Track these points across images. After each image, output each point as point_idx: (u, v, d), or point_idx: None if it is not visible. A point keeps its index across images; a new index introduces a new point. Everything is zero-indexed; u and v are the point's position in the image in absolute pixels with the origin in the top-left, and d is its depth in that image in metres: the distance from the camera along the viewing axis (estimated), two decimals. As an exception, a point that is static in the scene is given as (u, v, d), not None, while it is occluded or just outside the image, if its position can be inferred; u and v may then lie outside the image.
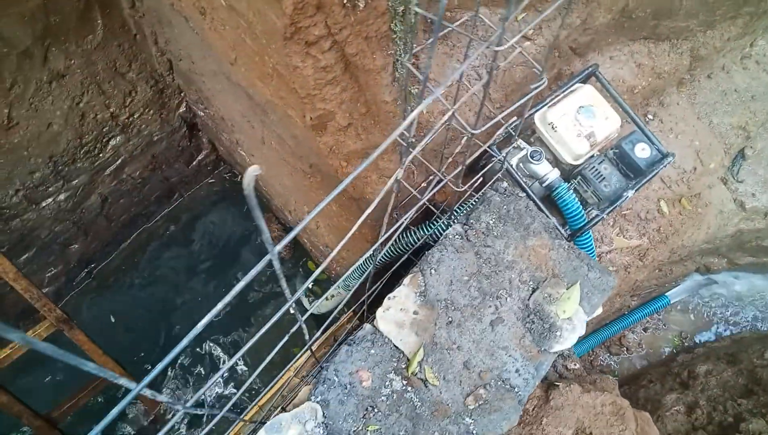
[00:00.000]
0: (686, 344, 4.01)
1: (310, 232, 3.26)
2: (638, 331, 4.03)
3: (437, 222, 2.16)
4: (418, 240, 2.21)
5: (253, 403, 2.81)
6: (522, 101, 1.35)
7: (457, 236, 1.55)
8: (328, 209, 2.68)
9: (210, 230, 4.51)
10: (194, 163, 4.06)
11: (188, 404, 0.93)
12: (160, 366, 0.81)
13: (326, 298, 3.39)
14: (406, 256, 2.20)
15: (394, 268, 2.16)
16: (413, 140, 1.22)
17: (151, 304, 4.21)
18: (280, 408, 2.32)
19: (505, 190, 1.63)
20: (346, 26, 1.56)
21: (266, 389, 2.77)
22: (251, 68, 2.02)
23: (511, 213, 1.57)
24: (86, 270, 3.97)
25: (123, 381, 0.76)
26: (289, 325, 1.08)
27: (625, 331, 3.91)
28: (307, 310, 1.15)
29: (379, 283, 1.78)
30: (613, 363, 3.93)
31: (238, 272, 4.39)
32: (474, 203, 1.75)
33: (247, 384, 1.18)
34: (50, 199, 3.11)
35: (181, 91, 3.27)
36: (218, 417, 1.12)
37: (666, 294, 3.89)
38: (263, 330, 1.02)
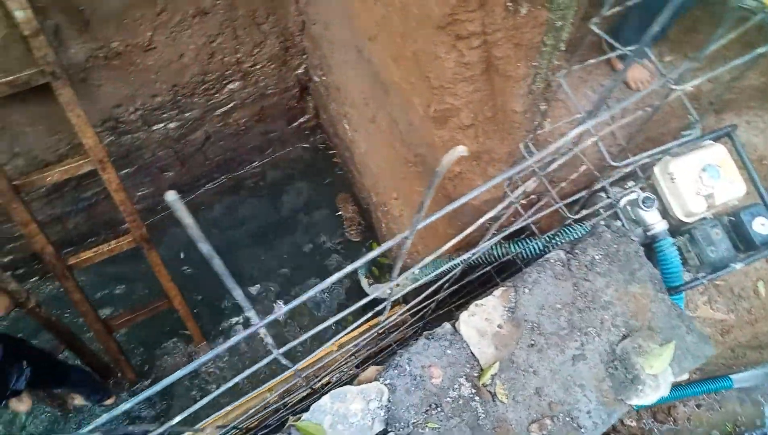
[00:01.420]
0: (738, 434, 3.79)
1: (391, 218, 3.28)
2: (691, 405, 3.82)
3: (529, 241, 2.13)
4: (504, 254, 2.19)
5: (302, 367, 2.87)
6: (668, 145, 1.31)
7: (558, 262, 1.52)
8: (416, 201, 2.69)
9: (291, 191, 4.61)
10: (294, 124, 4.16)
11: (281, 351, 0.96)
12: (287, 307, 0.84)
13: (389, 288, 3.41)
14: (489, 267, 2.18)
15: (474, 276, 2.15)
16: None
17: (221, 249, 4.36)
18: (315, 378, 2.36)
19: (618, 230, 1.58)
20: (501, 29, 1.55)
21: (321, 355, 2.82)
22: (388, 47, 2.04)
23: (619, 254, 1.52)
24: (172, 199, 4.14)
25: (251, 314, 0.78)
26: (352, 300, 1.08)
27: (677, 401, 3.73)
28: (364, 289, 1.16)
29: (454, 286, 1.77)
30: (656, 429, 3.76)
31: (306, 238, 4.48)
32: (581, 234, 1.71)
33: (325, 346, 1.20)
34: (161, 125, 3.27)
35: (304, 53, 3.35)
36: (290, 371, 1.15)
37: (731, 376, 3.67)
38: (360, 304, 1.03)
